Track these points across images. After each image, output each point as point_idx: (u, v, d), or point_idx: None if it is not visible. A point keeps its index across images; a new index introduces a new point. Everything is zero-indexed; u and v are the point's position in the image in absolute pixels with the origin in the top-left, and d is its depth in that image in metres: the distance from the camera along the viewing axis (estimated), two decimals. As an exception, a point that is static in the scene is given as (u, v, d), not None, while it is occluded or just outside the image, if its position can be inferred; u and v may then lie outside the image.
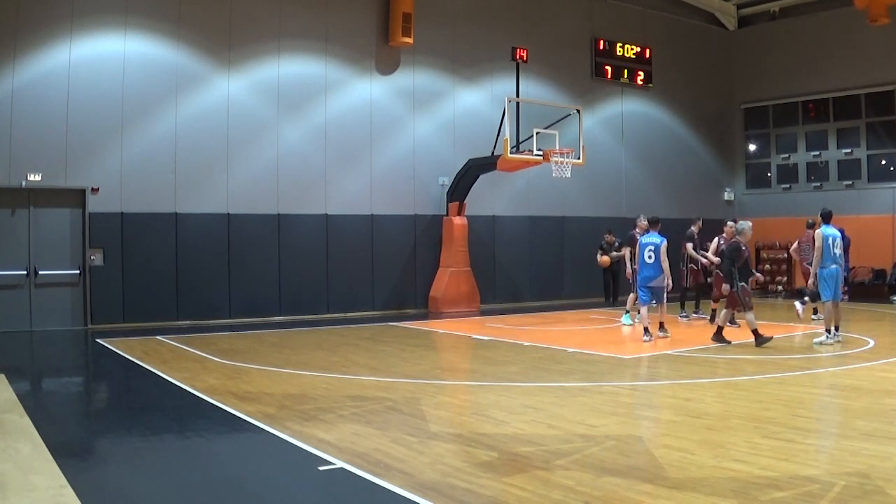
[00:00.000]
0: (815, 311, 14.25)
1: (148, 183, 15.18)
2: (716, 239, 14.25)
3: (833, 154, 22.23)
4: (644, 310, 12.27)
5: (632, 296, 14.64)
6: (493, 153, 17.06)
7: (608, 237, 18.05)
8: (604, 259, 17.43)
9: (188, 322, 15.31)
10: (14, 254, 14.14)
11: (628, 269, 14.56)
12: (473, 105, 19.24)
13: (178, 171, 15.50)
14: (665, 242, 12.32)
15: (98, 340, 12.82)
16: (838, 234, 11.71)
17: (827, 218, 11.76)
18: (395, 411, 7.41)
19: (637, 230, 14.40)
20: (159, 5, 15.35)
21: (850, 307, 18.35)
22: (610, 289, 18.74)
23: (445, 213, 18.53)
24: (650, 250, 12.25)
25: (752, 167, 24.50)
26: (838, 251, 11.52)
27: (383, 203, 17.90)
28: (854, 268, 20.58)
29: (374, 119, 17.86)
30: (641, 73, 22.18)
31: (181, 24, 15.55)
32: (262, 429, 6.75)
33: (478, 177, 17.95)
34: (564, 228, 20.62)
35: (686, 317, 15.33)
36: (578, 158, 16.72)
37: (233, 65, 16.15)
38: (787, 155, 23.31)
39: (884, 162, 21.53)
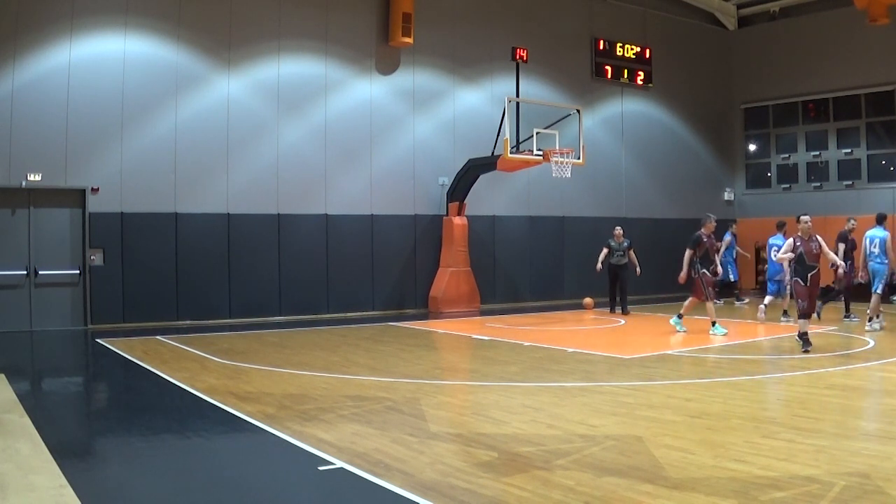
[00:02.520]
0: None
1: (148, 183, 15.18)
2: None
3: (833, 154, 22.23)
4: (768, 298, 14.88)
5: (690, 300, 13.40)
6: (493, 153, 17.06)
7: (618, 233, 17.10)
8: (599, 267, 16.89)
9: (188, 322, 15.31)
10: (14, 254, 14.14)
11: (714, 269, 13.35)
12: (473, 105, 19.25)
13: (178, 171, 15.50)
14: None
15: (98, 340, 12.82)
16: (880, 235, 13.45)
17: (878, 220, 13.74)
18: (395, 411, 7.41)
19: (703, 230, 13.25)
20: (159, 5, 15.35)
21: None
22: (615, 297, 17.28)
23: (445, 213, 18.53)
24: (775, 250, 14.54)
25: (752, 167, 24.50)
26: (876, 250, 13.37)
27: (383, 203, 17.90)
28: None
29: (374, 119, 17.87)
30: (641, 73, 22.19)
31: (181, 24, 15.56)
32: (262, 429, 6.74)
33: (478, 177, 17.95)
34: (564, 228, 20.63)
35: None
36: (578, 158, 16.72)
37: (233, 65, 16.15)
38: (787, 155, 23.31)
39: (884, 162, 21.52)
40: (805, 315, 11.04)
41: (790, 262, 11.35)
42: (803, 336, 10.88)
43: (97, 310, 14.68)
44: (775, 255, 14.20)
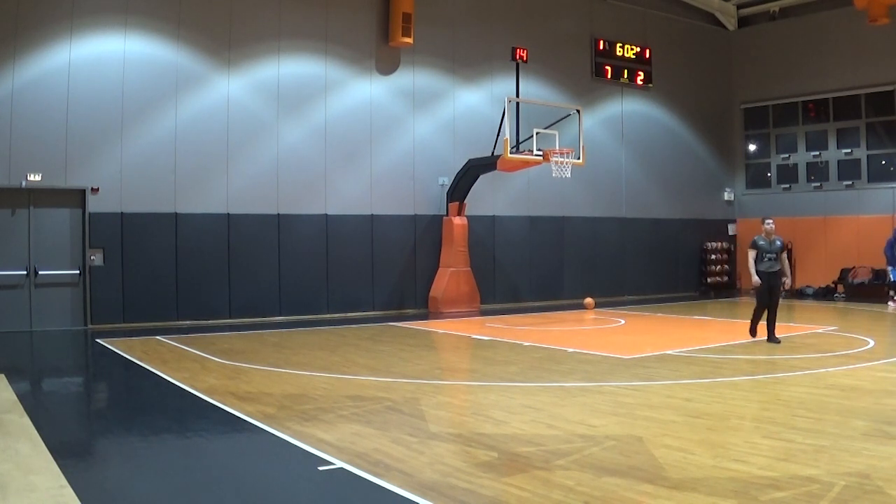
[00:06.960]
0: None
1: (148, 183, 15.18)
2: None
3: (833, 154, 22.23)
4: None
5: None
6: (493, 153, 17.06)
7: (769, 228, 12.00)
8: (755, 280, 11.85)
9: (188, 322, 15.31)
10: (14, 254, 14.14)
11: None
12: (473, 105, 19.24)
13: (178, 171, 15.50)
14: None
15: (98, 340, 12.82)
16: None
17: None
18: (395, 411, 7.41)
19: None
20: (159, 5, 15.35)
21: (849, 307, 18.39)
22: (759, 315, 12.17)
23: (445, 213, 18.53)
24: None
25: (752, 167, 24.50)
26: None
27: (383, 203, 17.90)
28: (854, 268, 20.61)
29: (374, 119, 17.87)
30: (641, 73, 22.19)
31: (181, 24, 15.56)
32: (262, 429, 6.75)
33: (478, 177, 17.95)
34: (564, 228, 20.63)
35: None
36: (578, 158, 16.72)
37: (233, 65, 16.15)
38: (787, 155, 23.31)
39: (884, 162, 21.52)
40: None
41: None
42: None
43: (97, 310, 14.68)
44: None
